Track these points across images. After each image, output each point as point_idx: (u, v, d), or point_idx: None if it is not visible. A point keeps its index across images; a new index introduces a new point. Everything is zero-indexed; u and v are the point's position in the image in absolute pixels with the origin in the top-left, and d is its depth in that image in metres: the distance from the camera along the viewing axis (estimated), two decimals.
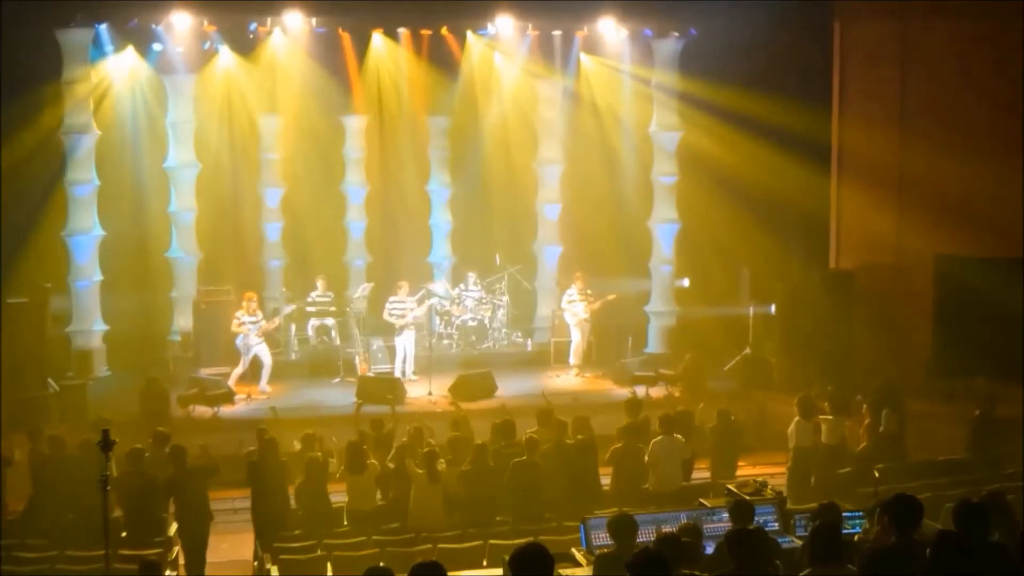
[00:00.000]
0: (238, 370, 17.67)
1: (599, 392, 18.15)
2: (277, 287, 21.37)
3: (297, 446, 12.44)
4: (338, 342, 19.43)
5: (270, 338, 18.24)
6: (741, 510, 8.68)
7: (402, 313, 18.22)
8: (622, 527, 8.00)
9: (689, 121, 20.39)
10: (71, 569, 10.03)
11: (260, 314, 17.89)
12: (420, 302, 18.90)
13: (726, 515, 9.34)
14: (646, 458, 12.43)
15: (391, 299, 18.49)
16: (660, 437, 12.46)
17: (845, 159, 19.50)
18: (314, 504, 11.76)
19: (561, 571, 8.44)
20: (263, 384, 17.80)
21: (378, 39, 20.45)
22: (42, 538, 11.13)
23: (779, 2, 18.02)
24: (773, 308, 18.79)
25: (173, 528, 11.61)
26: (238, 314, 17.57)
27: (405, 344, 18.38)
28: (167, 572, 10.77)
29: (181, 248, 20.30)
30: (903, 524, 6.72)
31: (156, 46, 19.44)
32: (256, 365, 17.83)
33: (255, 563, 11.56)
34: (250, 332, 17.49)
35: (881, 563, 6.58)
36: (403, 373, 18.30)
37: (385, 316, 18.36)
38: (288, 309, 19.30)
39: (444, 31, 20.39)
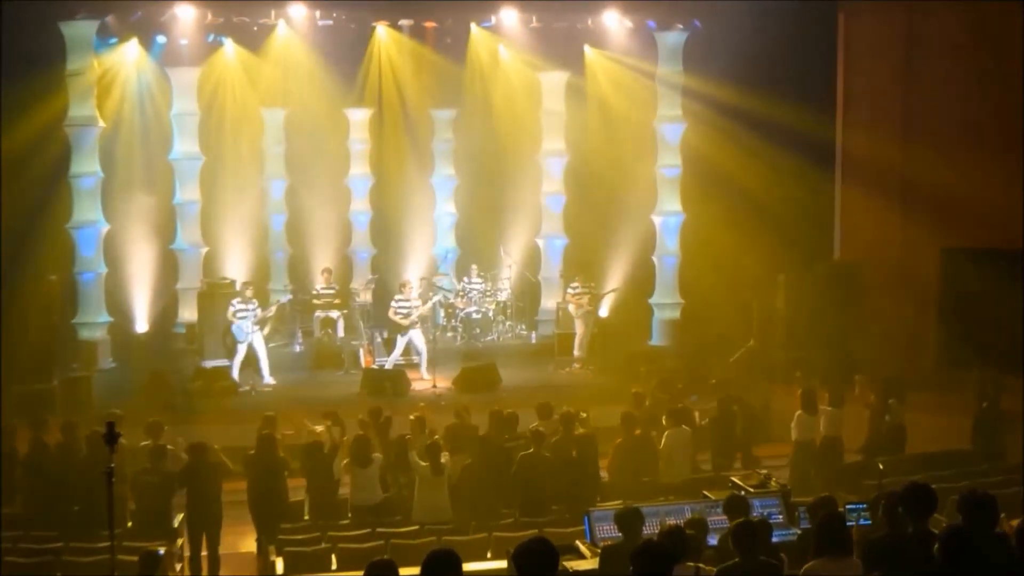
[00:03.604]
0: (237, 359, 17.59)
1: (603, 384, 18.10)
2: (282, 279, 21.42)
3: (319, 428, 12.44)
4: (342, 334, 19.44)
5: (273, 329, 18.21)
6: (735, 505, 8.67)
7: (407, 312, 18.19)
8: (629, 519, 8.00)
9: (693, 114, 20.35)
10: (77, 560, 10.02)
11: (255, 302, 17.75)
12: (424, 300, 18.85)
13: None
14: (660, 447, 12.49)
15: (396, 298, 18.43)
16: (670, 430, 12.53)
17: (849, 152, 19.48)
18: (321, 487, 11.79)
19: (566, 563, 8.43)
20: (266, 377, 17.77)
21: (382, 31, 20.44)
22: (47, 529, 11.13)
23: None
24: (778, 301, 18.76)
25: (178, 519, 11.60)
26: (233, 302, 17.48)
27: (414, 342, 18.33)
28: (176, 564, 10.79)
29: (186, 240, 20.30)
30: (918, 514, 6.70)
31: (160, 38, 19.44)
32: (251, 356, 17.66)
33: (260, 558, 11.57)
34: (246, 318, 17.39)
35: (897, 554, 6.55)
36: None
37: (391, 315, 18.31)
38: (285, 299, 19.30)
39: (448, 23, 20.36)
